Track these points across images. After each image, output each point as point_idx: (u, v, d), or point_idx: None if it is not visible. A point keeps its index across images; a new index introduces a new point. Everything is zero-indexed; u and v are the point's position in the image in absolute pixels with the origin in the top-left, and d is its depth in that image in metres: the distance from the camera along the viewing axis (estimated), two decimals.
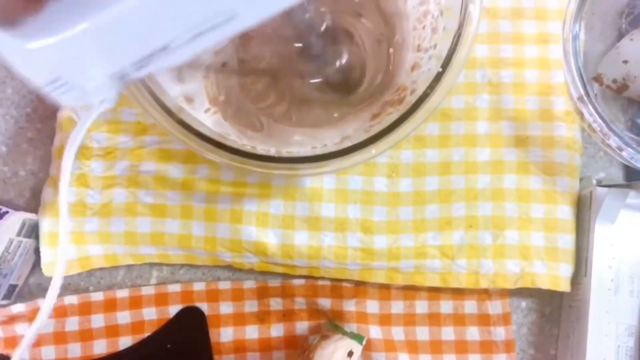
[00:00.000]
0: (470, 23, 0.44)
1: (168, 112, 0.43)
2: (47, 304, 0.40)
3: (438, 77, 0.43)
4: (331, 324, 0.56)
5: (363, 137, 0.43)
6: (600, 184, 0.54)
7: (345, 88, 0.55)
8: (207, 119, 0.50)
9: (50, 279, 0.54)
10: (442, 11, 0.49)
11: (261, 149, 0.47)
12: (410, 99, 0.44)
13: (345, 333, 0.53)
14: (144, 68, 0.34)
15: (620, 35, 0.56)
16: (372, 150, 0.42)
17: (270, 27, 0.54)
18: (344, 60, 0.55)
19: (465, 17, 0.44)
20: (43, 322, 0.42)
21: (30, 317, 0.56)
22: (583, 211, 0.55)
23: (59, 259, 0.40)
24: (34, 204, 0.56)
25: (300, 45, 0.52)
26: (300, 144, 0.52)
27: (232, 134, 0.51)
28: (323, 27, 0.52)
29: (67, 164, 0.37)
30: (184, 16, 0.32)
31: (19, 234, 0.55)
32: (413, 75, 0.50)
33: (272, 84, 0.55)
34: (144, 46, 0.33)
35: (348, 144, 0.43)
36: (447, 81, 0.43)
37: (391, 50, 0.55)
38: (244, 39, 0.55)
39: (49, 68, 0.33)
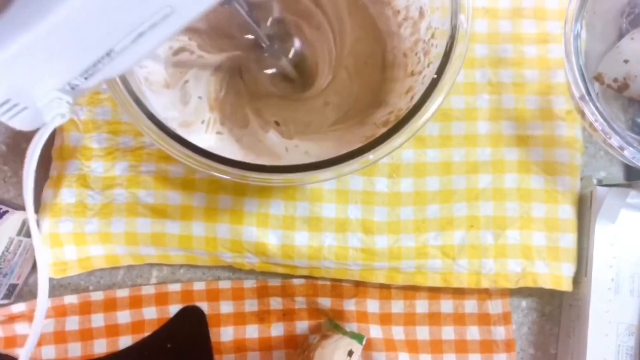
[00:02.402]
0: (461, 40, 0.45)
1: (170, 135, 0.44)
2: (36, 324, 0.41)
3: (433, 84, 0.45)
4: (331, 323, 0.56)
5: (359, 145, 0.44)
6: (600, 183, 0.54)
7: (298, 83, 0.56)
8: (206, 141, 0.51)
9: (49, 278, 0.55)
10: (434, 34, 0.50)
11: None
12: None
13: (345, 333, 0.53)
14: (92, 77, 0.34)
15: (621, 35, 0.56)
16: (370, 156, 0.43)
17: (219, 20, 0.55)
18: (294, 54, 0.56)
19: (455, 36, 0.46)
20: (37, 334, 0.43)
21: (31, 316, 0.56)
22: (583, 210, 0.55)
23: (40, 273, 0.41)
24: (34, 204, 0.56)
25: (252, 37, 0.53)
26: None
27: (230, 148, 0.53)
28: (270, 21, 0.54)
29: (27, 182, 0.38)
30: (123, 18, 0.33)
31: (19, 234, 0.55)
32: (408, 97, 0.50)
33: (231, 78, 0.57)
34: (88, 54, 0.33)
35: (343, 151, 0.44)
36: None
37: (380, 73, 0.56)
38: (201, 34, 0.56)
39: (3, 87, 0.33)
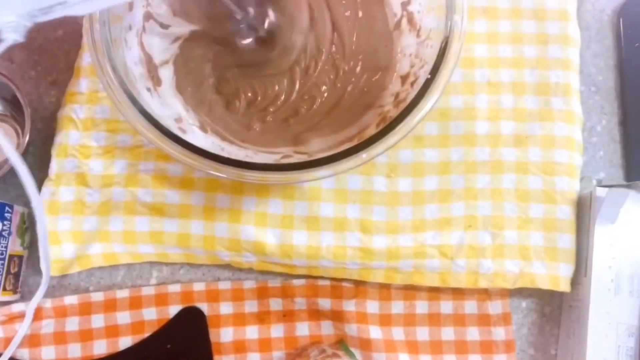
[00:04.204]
0: (456, 41, 0.46)
1: (168, 134, 0.45)
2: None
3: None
4: (343, 346, 0.55)
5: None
6: (600, 184, 0.54)
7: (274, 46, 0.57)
8: (201, 140, 0.52)
9: (50, 278, 0.55)
10: (429, 34, 0.51)
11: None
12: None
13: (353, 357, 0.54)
14: (48, 15, 0.39)
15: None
16: (364, 154, 0.43)
17: None
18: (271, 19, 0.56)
19: (449, 37, 0.46)
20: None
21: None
22: (583, 211, 0.55)
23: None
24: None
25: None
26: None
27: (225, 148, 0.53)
28: None
29: None
30: None
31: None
32: (401, 97, 0.51)
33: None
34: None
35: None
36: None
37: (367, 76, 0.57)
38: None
39: None
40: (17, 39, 0.40)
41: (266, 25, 0.56)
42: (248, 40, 0.56)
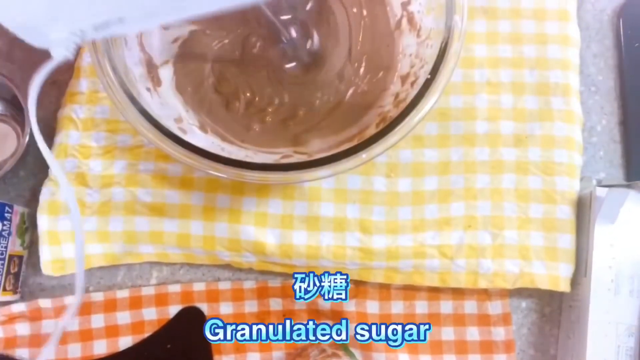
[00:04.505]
0: (456, 41, 0.46)
1: (168, 134, 0.45)
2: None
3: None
4: (343, 346, 0.55)
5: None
6: (600, 184, 0.54)
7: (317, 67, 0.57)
8: (201, 140, 0.52)
9: (50, 278, 0.55)
10: (429, 34, 0.51)
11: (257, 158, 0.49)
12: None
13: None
14: (101, 31, 0.38)
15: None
16: (363, 155, 0.43)
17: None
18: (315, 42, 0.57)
19: (449, 37, 0.46)
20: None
21: (31, 316, 0.56)
22: (583, 211, 0.55)
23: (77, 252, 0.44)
24: (34, 203, 0.57)
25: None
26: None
27: (225, 148, 0.53)
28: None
29: (31, 106, 0.42)
30: (138, 1, 0.37)
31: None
32: (401, 96, 0.51)
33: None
34: (103, 15, 0.37)
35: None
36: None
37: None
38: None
39: (21, 19, 0.37)
40: (67, 56, 0.39)
41: (307, 47, 0.56)
42: (292, 65, 0.57)
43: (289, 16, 0.55)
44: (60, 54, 0.38)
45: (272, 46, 0.56)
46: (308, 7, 0.57)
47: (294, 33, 0.55)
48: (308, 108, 0.56)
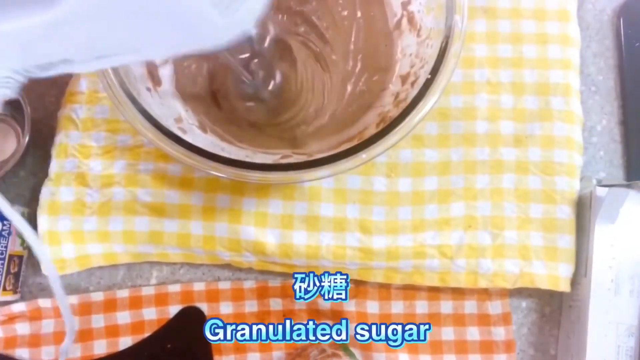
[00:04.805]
0: (456, 41, 0.46)
1: (168, 134, 0.45)
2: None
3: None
4: (343, 346, 0.55)
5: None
6: (600, 183, 0.54)
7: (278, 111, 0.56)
8: (201, 140, 0.52)
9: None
10: (429, 34, 0.51)
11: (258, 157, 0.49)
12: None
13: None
14: (46, 71, 0.36)
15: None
16: (363, 155, 0.43)
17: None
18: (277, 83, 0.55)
19: (449, 36, 0.46)
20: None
21: (31, 316, 0.56)
22: (583, 211, 0.55)
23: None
24: (33, 203, 0.57)
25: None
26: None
27: (225, 148, 0.53)
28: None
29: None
30: (88, 44, 0.35)
31: None
32: (401, 96, 0.51)
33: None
34: (49, 56, 0.36)
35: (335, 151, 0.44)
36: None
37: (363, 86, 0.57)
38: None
39: None
40: (9, 94, 0.37)
41: (270, 87, 0.55)
42: (250, 104, 0.56)
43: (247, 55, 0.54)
44: (1, 93, 0.37)
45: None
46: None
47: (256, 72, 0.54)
48: (304, 119, 0.56)
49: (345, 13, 0.57)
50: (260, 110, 0.56)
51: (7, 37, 0.34)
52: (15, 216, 0.41)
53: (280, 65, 0.56)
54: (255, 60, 0.52)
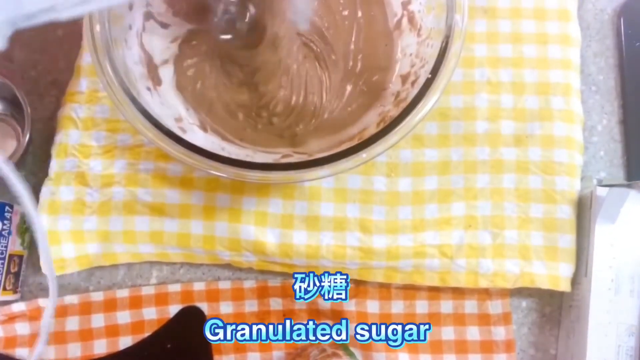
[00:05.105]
0: (456, 40, 0.46)
1: (168, 134, 0.45)
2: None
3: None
4: (343, 346, 0.55)
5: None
6: (600, 183, 0.54)
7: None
8: (201, 140, 0.52)
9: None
10: (429, 33, 0.51)
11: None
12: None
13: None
14: (32, 20, 0.36)
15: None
16: (364, 154, 0.43)
17: None
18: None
19: (450, 36, 0.46)
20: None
21: (31, 316, 0.56)
22: (583, 211, 0.55)
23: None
24: (32, 202, 0.56)
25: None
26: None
27: (225, 147, 0.53)
28: None
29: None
30: None
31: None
32: (402, 95, 0.51)
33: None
34: (35, 4, 0.36)
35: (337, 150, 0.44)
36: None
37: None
38: None
39: None
40: (2, 45, 0.37)
41: (247, 19, 0.54)
42: (227, 36, 0.55)
43: None
44: None
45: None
46: None
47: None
48: (301, 117, 0.56)
49: (346, 13, 0.57)
50: (238, 46, 0.55)
51: None
52: (32, 211, 0.41)
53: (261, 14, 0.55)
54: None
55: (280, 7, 0.54)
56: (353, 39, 0.57)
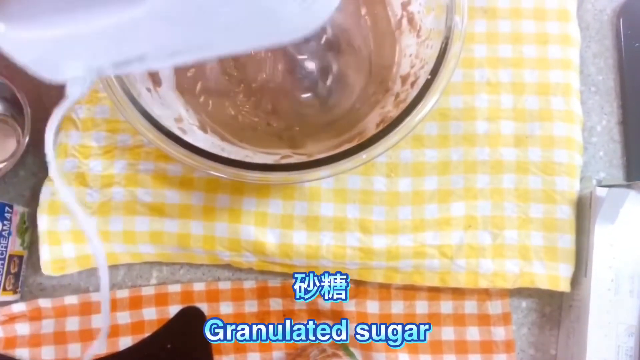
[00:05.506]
0: (456, 41, 0.46)
1: (168, 134, 0.45)
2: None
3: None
4: (343, 346, 0.55)
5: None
6: (600, 184, 0.54)
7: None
8: (201, 140, 0.52)
9: (50, 278, 0.55)
10: (429, 34, 0.51)
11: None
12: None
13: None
14: (120, 69, 0.36)
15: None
16: (364, 155, 0.43)
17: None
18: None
19: (450, 37, 0.46)
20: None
21: (31, 316, 0.56)
22: (583, 211, 0.55)
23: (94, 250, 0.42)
24: (34, 203, 0.57)
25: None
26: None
27: (225, 148, 0.53)
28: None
29: (49, 142, 0.40)
30: (163, 41, 0.34)
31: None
32: (401, 96, 0.51)
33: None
34: (124, 53, 0.35)
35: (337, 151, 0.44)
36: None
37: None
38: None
39: (35, 55, 0.35)
40: (84, 92, 0.37)
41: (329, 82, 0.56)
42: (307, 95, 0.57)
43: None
44: (76, 92, 0.36)
45: (289, 73, 0.56)
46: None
47: (312, 67, 0.55)
48: (304, 124, 0.56)
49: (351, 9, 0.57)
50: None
51: (89, 36, 0.34)
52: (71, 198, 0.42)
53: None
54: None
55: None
56: (371, 40, 0.57)
